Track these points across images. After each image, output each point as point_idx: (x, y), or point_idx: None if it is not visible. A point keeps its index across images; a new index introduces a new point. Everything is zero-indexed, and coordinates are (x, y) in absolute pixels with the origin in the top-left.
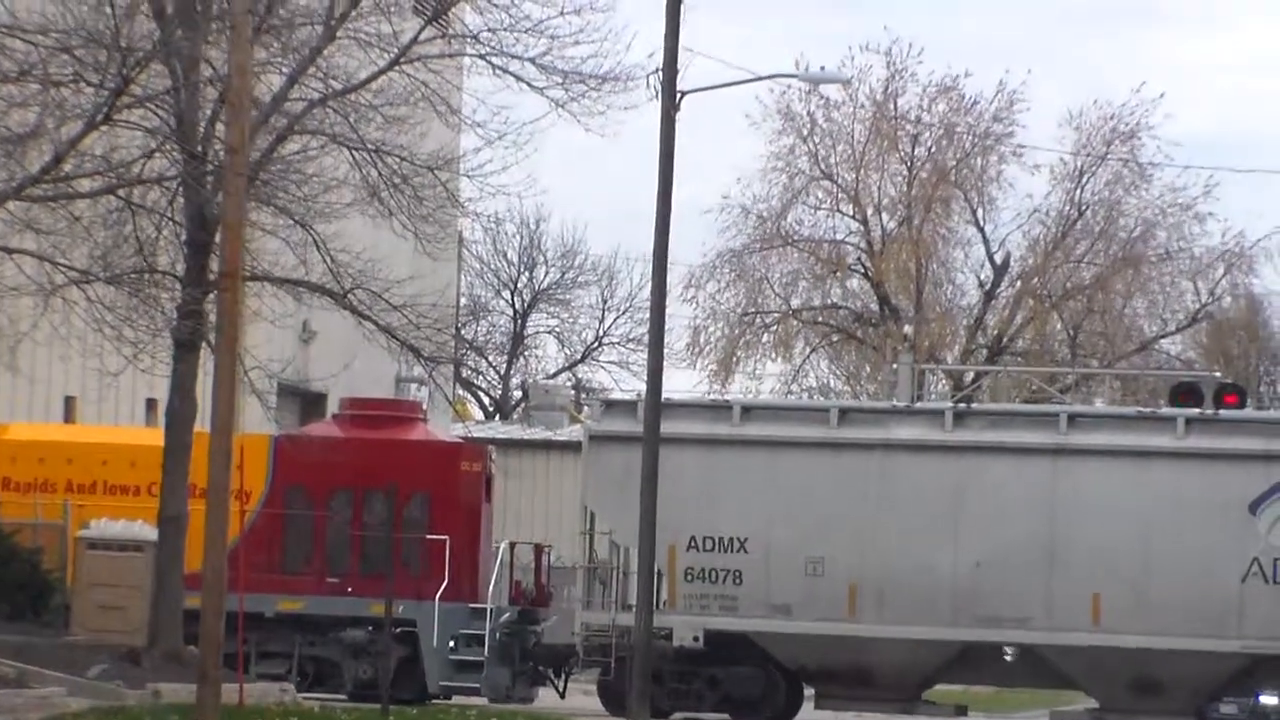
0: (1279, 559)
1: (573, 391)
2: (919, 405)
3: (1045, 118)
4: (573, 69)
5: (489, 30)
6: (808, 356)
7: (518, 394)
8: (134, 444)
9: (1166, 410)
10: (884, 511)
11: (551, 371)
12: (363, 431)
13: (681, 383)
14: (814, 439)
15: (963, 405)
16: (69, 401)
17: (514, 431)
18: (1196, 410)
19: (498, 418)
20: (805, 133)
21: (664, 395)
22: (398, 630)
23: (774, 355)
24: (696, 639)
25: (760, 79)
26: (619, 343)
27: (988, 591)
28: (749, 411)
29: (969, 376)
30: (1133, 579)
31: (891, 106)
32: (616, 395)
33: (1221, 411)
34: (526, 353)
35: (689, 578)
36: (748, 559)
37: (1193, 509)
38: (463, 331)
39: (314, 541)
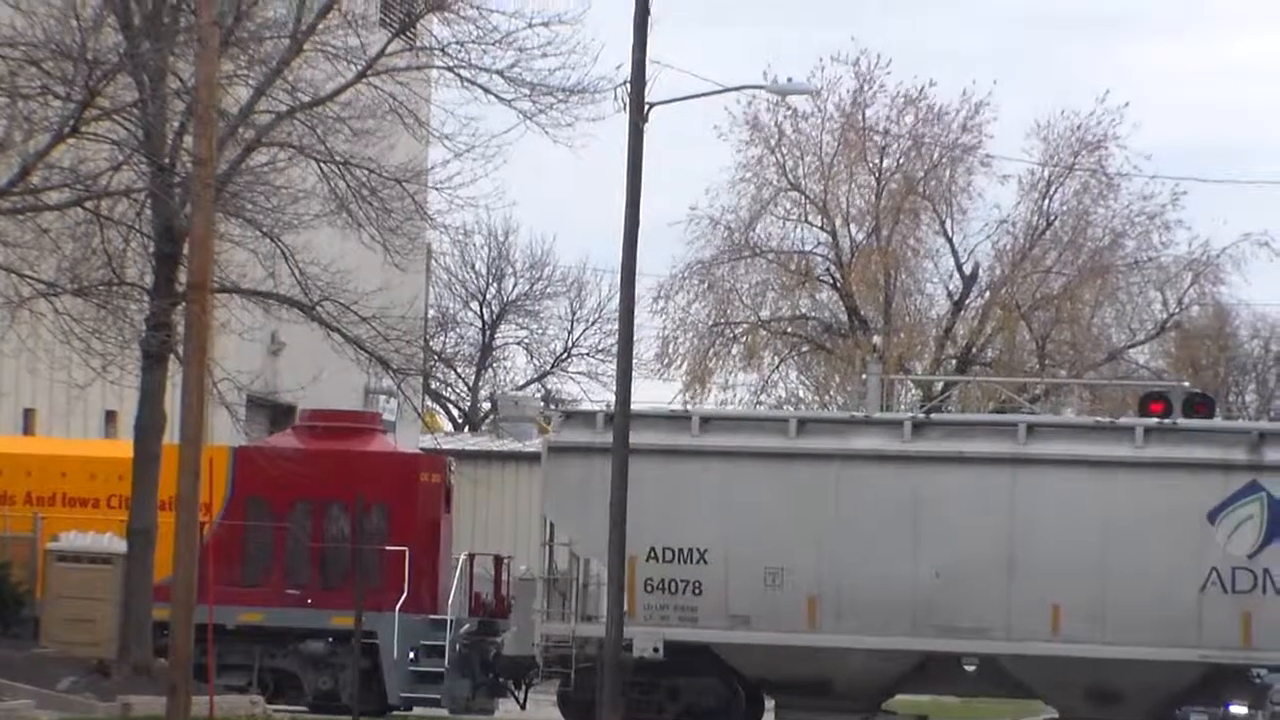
0: (1237, 568)
1: (542, 403)
2: (878, 416)
3: (1014, 128)
4: (541, 81)
5: (457, 43)
6: (777, 367)
7: (487, 405)
8: (93, 456)
9: (1125, 420)
10: (843, 522)
11: (520, 383)
12: (322, 443)
13: (652, 394)
14: (773, 450)
15: (921, 416)
16: (28, 414)
17: (483, 443)
18: (1155, 420)
19: (467, 429)
20: (773, 144)
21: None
22: None
23: (743, 366)
24: (656, 650)
25: (728, 90)
26: (588, 354)
27: (947, 602)
28: (708, 422)
29: (938, 387)
30: (1092, 589)
31: (860, 117)
32: (585, 406)
33: (1180, 421)
34: (495, 364)
35: (649, 588)
36: (707, 570)
37: (1151, 519)
38: (431, 343)
39: (274, 553)
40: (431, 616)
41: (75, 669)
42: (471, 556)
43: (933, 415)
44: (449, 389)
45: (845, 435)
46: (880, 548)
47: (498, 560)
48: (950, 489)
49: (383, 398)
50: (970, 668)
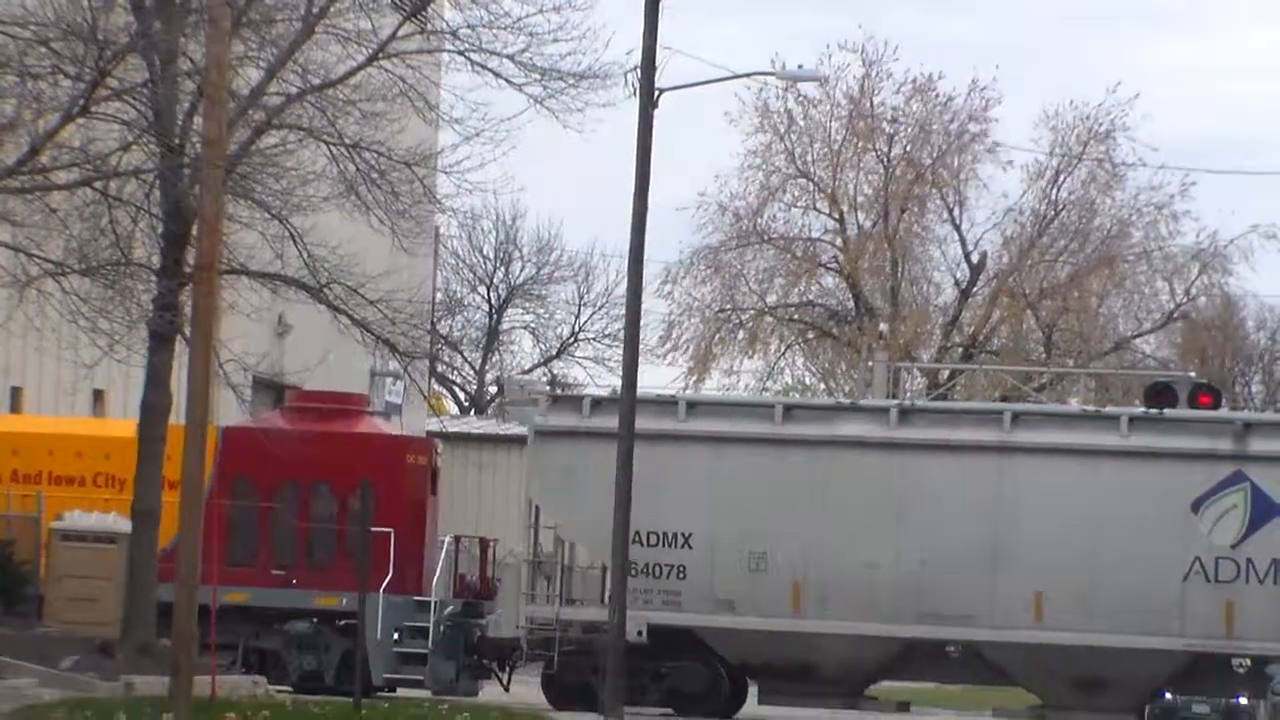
0: (1220, 558)
1: (548, 387)
2: (864, 402)
3: (1023, 120)
4: (551, 66)
5: (468, 27)
6: (783, 354)
7: (493, 389)
8: (80, 434)
9: (1110, 409)
10: (828, 508)
11: (527, 367)
12: (309, 424)
13: (654, 379)
14: (758, 435)
15: (908, 403)
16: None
17: (489, 426)
18: (1140, 409)
19: (473, 412)
20: (782, 130)
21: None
22: (341, 622)
23: (749, 352)
24: (640, 634)
25: (737, 76)
26: (594, 338)
27: (931, 589)
28: (694, 407)
29: (944, 374)
30: (1075, 577)
31: (868, 105)
32: (582, 391)
33: (1165, 411)
34: (502, 348)
35: (633, 572)
36: (691, 554)
37: (1136, 508)
38: (438, 326)
39: (260, 533)
40: (416, 598)
41: (78, 648)
42: (457, 539)
43: (919, 403)
44: (455, 372)
45: (831, 421)
46: (865, 534)
47: (483, 543)
48: (936, 476)
49: (389, 380)
50: (954, 654)
